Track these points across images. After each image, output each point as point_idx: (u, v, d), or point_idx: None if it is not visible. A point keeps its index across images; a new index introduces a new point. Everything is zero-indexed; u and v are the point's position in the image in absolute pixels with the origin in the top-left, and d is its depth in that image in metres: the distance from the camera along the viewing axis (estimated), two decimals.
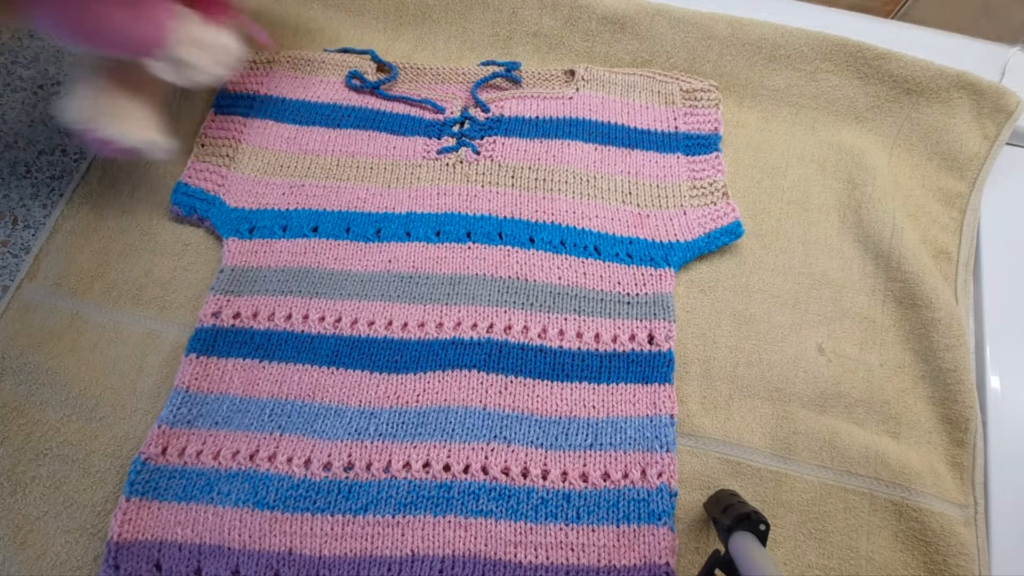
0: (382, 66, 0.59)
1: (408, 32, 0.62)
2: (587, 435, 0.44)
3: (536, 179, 0.53)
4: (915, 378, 0.48)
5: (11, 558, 0.41)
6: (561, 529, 0.41)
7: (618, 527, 0.41)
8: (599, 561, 0.40)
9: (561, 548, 0.40)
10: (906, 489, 0.44)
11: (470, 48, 0.62)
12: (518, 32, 0.61)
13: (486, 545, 0.40)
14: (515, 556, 0.40)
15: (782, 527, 0.43)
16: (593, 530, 0.41)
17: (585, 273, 0.49)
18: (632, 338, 0.47)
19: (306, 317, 0.47)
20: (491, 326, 0.47)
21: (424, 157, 0.54)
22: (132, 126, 0.48)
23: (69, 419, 0.45)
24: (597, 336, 0.47)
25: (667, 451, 0.43)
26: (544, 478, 0.42)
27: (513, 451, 0.43)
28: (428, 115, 0.56)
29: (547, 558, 0.40)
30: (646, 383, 0.45)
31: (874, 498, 0.44)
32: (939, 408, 0.47)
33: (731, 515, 0.38)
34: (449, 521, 0.40)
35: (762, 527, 0.37)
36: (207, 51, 0.48)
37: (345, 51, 0.60)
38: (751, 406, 0.47)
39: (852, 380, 0.48)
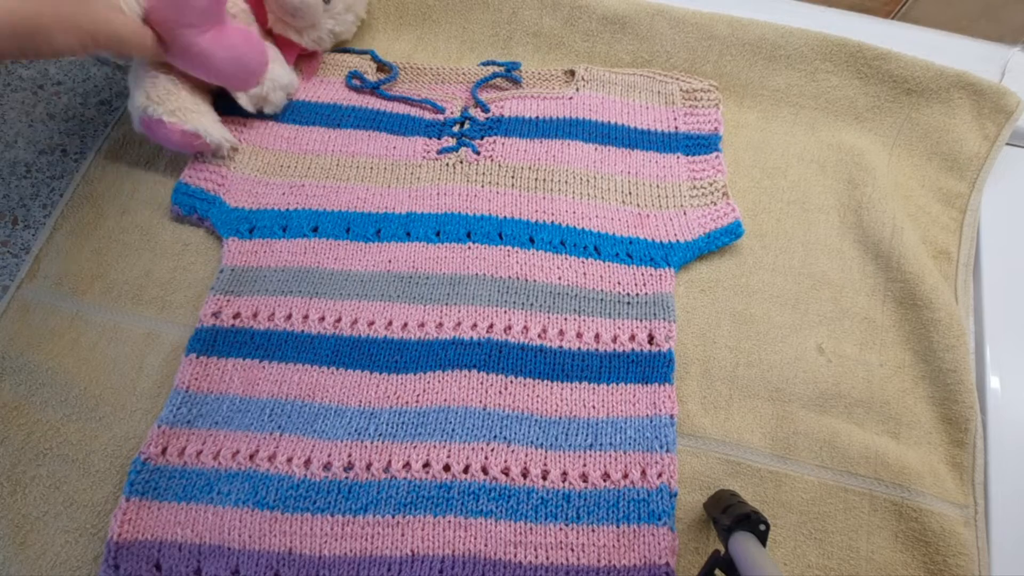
0: (382, 66, 0.59)
1: (408, 32, 0.62)
2: (587, 435, 0.44)
3: (536, 179, 0.53)
4: (915, 378, 0.48)
5: (11, 558, 0.41)
6: (561, 529, 0.41)
7: (618, 527, 0.41)
8: (599, 561, 0.40)
9: (561, 548, 0.40)
10: (906, 489, 0.44)
11: (470, 48, 0.62)
12: (518, 32, 0.61)
13: (486, 545, 0.40)
14: (515, 556, 0.40)
15: (782, 527, 0.43)
16: (593, 530, 0.41)
17: (585, 273, 0.49)
18: (632, 338, 0.47)
19: (306, 317, 0.47)
20: (491, 326, 0.47)
21: (424, 157, 0.54)
22: (210, 122, 0.51)
23: (69, 419, 0.45)
24: (597, 336, 0.47)
25: (667, 451, 0.43)
26: (544, 478, 0.42)
27: (513, 451, 0.43)
28: (428, 115, 0.56)
29: (547, 558, 0.40)
30: (646, 383, 0.45)
31: (874, 498, 0.44)
32: (939, 408, 0.47)
33: (731, 515, 0.38)
34: (449, 521, 0.40)
35: (762, 527, 0.37)
36: (283, 90, 0.55)
37: (345, 51, 0.60)
38: (751, 406, 0.47)
39: (852, 380, 0.48)
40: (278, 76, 0.54)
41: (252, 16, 0.54)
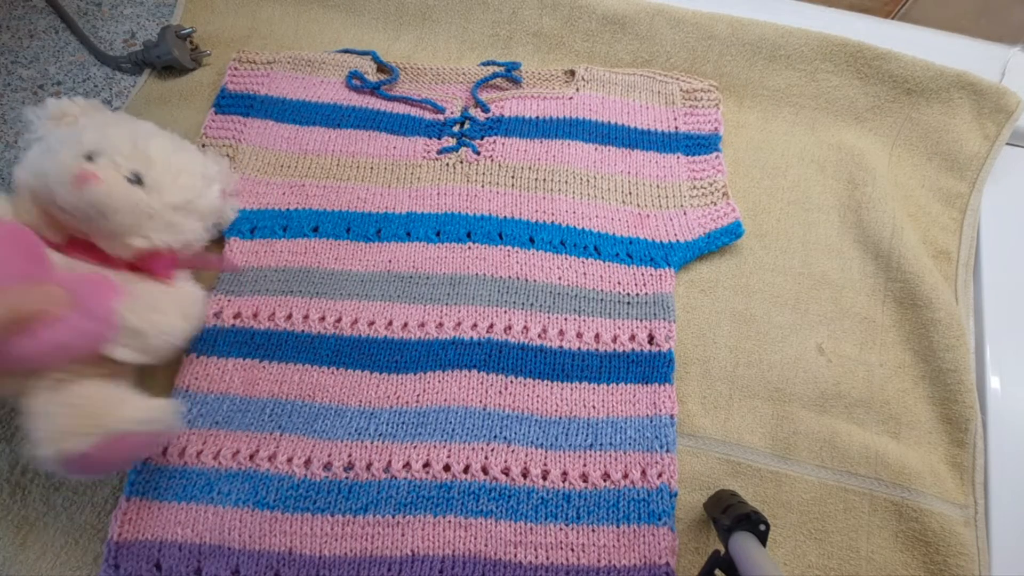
0: (382, 67, 0.59)
1: (408, 32, 0.62)
2: (587, 435, 0.44)
3: (536, 179, 0.53)
4: (915, 378, 0.48)
5: (11, 558, 0.41)
6: (561, 529, 0.41)
7: (618, 527, 0.41)
8: (599, 561, 0.40)
9: (561, 548, 0.40)
10: (906, 489, 0.44)
11: (470, 48, 0.62)
12: (518, 32, 0.61)
13: (486, 545, 0.40)
14: (515, 556, 0.40)
15: (782, 527, 0.43)
16: (593, 530, 0.41)
17: (585, 273, 0.49)
18: (632, 338, 0.47)
19: (306, 317, 0.47)
20: (491, 326, 0.47)
21: (424, 157, 0.54)
22: (131, 407, 0.37)
23: None
24: (597, 336, 0.47)
25: (667, 451, 0.43)
26: (544, 478, 0.42)
27: (513, 451, 0.43)
28: (428, 115, 0.56)
29: (547, 558, 0.40)
30: (646, 383, 0.45)
31: (874, 498, 0.44)
32: (939, 408, 0.47)
33: (731, 515, 0.38)
34: (449, 521, 0.40)
35: (762, 527, 0.37)
36: (166, 313, 0.40)
37: (345, 52, 0.60)
38: (751, 406, 0.47)
39: (852, 380, 0.48)
40: (143, 299, 0.39)
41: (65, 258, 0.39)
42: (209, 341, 0.46)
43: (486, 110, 0.56)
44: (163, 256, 0.42)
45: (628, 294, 0.49)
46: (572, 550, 0.40)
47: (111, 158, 0.40)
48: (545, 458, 0.43)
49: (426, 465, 0.42)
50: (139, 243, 0.41)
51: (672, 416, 0.44)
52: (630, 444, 0.43)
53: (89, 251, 0.40)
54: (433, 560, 0.39)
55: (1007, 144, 0.56)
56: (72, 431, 0.35)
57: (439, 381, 0.45)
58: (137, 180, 0.41)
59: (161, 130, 0.46)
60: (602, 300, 0.48)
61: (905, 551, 0.43)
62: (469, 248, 0.50)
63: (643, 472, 0.42)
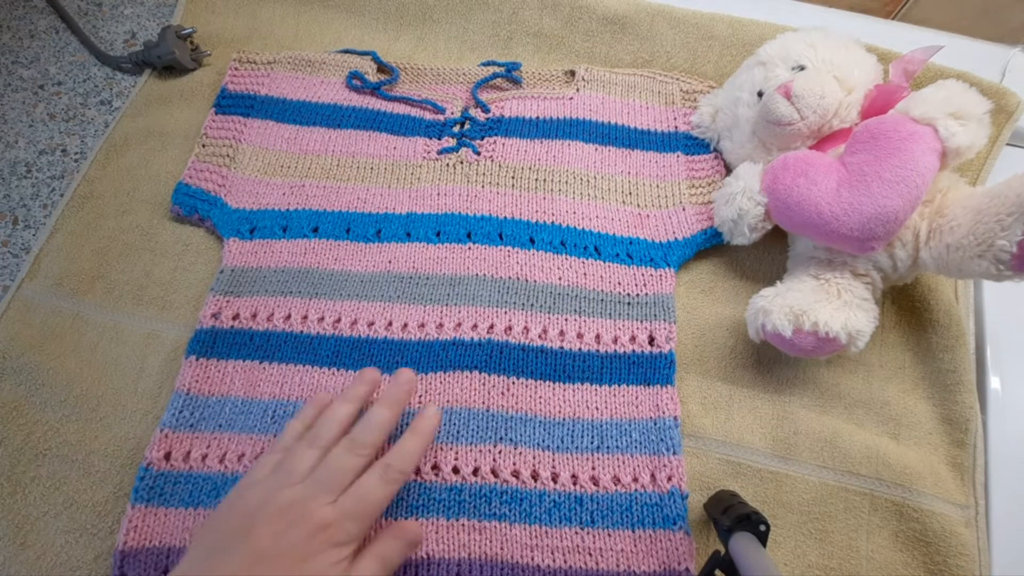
0: (383, 67, 0.59)
1: (408, 33, 0.62)
2: (593, 437, 0.43)
3: (536, 179, 0.53)
4: (915, 379, 0.48)
5: (11, 558, 0.40)
6: (577, 533, 0.40)
7: (633, 532, 0.40)
8: (618, 566, 0.39)
9: (578, 552, 0.40)
10: (907, 490, 0.44)
11: (470, 48, 0.62)
12: (518, 32, 0.61)
13: (502, 548, 0.40)
14: (532, 559, 0.39)
15: (782, 527, 0.43)
16: (609, 534, 0.40)
17: (585, 274, 0.49)
18: (632, 339, 0.47)
19: (305, 318, 0.47)
20: (491, 327, 0.47)
21: (424, 157, 0.54)
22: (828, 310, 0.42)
23: (69, 419, 0.45)
24: (597, 337, 0.47)
25: (674, 454, 0.43)
26: (554, 481, 0.42)
27: (520, 453, 0.42)
28: (428, 115, 0.56)
29: (564, 562, 0.39)
30: (648, 385, 0.45)
31: (875, 498, 0.44)
32: (939, 409, 0.47)
33: (731, 516, 0.38)
34: (463, 524, 0.40)
35: (762, 528, 0.37)
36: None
37: (346, 52, 0.60)
38: (751, 406, 0.47)
39: (852, 381, 0.48)
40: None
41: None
42: (208, 343, 0.46)
43: (486, 110, 0.56)
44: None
45: (628, 294, 0.49)
46: (590, 554, 0.40)
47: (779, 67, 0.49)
48: (553, 460, 0.42)
49: (435, 468, 0.42)
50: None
51: (675, 418, 0.44)
52: (636, 447, 0.43)
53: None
54: (449, 563, 0.39)
55: (1007, 144, 0.56)
56: None
57: (440, 382, 0.45)
58: (801, 68, 0.48)
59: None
60: (602, 301, 0.48)
61: (905, 551, 0.43)
62: (469, 248, 0.50)
63: (652, 476, 0.42)
